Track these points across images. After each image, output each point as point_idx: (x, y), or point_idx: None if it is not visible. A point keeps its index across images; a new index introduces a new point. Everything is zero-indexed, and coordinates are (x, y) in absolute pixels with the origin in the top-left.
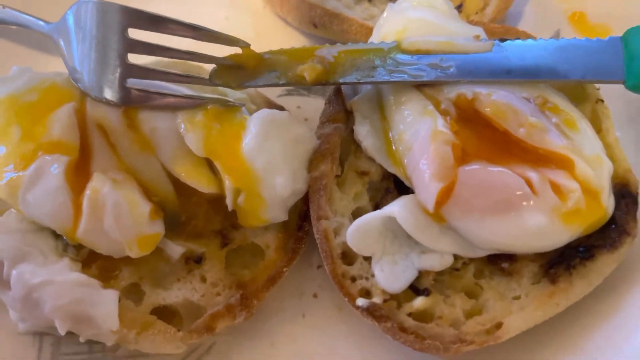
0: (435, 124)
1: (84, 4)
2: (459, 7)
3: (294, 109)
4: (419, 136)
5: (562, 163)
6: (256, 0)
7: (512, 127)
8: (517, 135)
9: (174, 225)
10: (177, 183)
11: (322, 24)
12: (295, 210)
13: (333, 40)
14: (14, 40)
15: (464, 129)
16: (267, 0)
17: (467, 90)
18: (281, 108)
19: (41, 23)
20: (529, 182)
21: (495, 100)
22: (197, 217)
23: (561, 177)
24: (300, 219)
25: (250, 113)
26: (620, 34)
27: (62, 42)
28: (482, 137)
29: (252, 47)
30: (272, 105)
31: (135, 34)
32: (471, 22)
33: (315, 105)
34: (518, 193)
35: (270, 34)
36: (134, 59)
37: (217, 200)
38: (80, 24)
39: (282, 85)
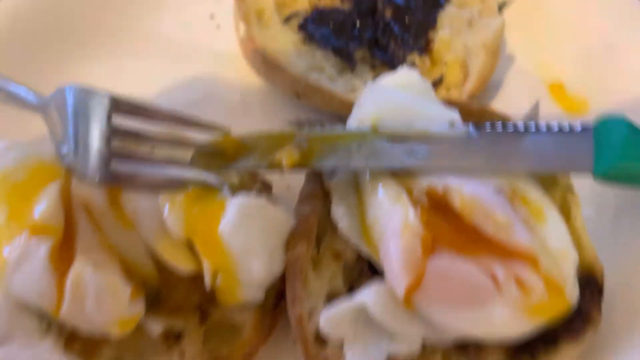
0: (407, 215)
1: (71, 89)
2: (439, 80)
3: (278, 180)
4: (390, 226)
5: (527, 259)
6: (244, 65)
7: (480, 224)
8: (485, 231)
9: (155, 301)
10: (158, 260)
11: (305, 95)
12: (272, 289)
13: (315, 107)
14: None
15: (434, 217)
16: (252, 65)
17: (439, 183)
18: (266, 183)
19: (31, 95)
20: (494, 278)
21: (464, 196)
22: (177, 293)
23: (526, 273)
24: (277, 298)
25: (234, 187)
26: (597, 107)
27: (48, 119)
28: (452, 227)
29: (244, 113)
30: (256, 178)
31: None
32: (449, 99)
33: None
34: (483, 288)
35: (254, 95)
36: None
37: (197, 277)
38: (66, 106)
39: (259, 168)
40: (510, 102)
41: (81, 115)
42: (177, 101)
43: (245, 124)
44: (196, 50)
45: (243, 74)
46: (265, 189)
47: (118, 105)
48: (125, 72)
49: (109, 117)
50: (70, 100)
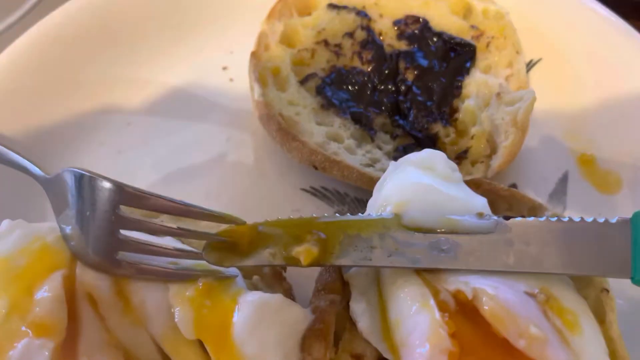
0: (434, 324)
1: (78, 173)
2: (465, 153)
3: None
4: (415, 335)
5: None
6: (257, 124)
7: (512, 337)
8: (517, 345)
9: None
10: (167, 357)
11: (322, 168)
12: None
13: (332, 177)
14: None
15: (462, 326)
16: (266, 130)
17: (466, 287)
18: (281, 276)
19: (38, 172)
20: None
21: (495, 302)
22: None
23: None
24: None
25: (247, 272)
26: (630, 187)
27: (53, 197)
28: (482, 337)
29: (250, 173)
30: (275, 271)
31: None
32: (476, 180)
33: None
34: None
35: (269, 159)
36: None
37: None
38: (72, 188)
39: (276, 265)
40: (537, 174)
41: (86, 201)
42: (187, 161)
43: (259, 189)
44: (208, 105)
45: (256, 134)
46: (280, 267)
47: (124, 196)
48: (134, 126)
49: (115, 207)
50: (75, 184)
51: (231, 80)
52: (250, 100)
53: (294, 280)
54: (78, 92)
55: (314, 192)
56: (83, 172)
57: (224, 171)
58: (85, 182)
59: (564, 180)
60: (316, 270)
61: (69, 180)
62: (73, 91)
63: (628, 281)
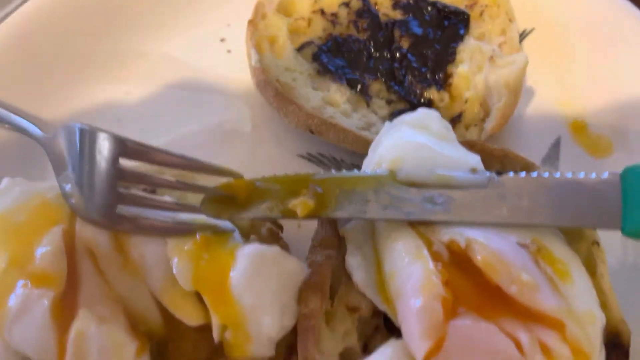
0: (427, 273)
1: (77, 128)
2: (459, 117)
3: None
4: (410, 284)
5: (553, 324)
6: (255, 92)
7: (504, 283)
8: (508, 291)
9: (161, 354)
10: (165, 310)
11: (318, 131)
12: (283, 342)
13: (329, 141)
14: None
15: (455, 275)
16: (263, 95)
17: (460, 237)
18: (276, 222)
19: (37, 130)
20: (518, 344)
21: (487, 251)
22: (184, 345)
23: (552, 339)
24: (288, 352)
25: (245, 229)
26: (621, 150)
27: (52, 155)
28: (474, 285)
29: (247, 140)
30: (272, 231)
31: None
32: (470, 140)
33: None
34: (506, 355)
35: (266, 126)
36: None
37: (205, 328)
38: (72, 145)
39: (274, 218)
40: (530, 140)
41: (86, 156)
42: (185, 130)
43: (256, 156)
44: (206, 75)
45: (253, 102)
46: (277, 227)
47: (124, 148)
48: (133, 96)
49: (115, 160)
50: (75, 139)
51: (229, 51)
52: (248, 69)
53: (290, 242)
54: (78, 64)
55: (311, 158)
56: (83, 126)
57: (222, 138)
58: (84, 135)
59: (556, 145)
60: (312, 233)
61: (69, 135)
62: (73, 62)
63: (618, 240)
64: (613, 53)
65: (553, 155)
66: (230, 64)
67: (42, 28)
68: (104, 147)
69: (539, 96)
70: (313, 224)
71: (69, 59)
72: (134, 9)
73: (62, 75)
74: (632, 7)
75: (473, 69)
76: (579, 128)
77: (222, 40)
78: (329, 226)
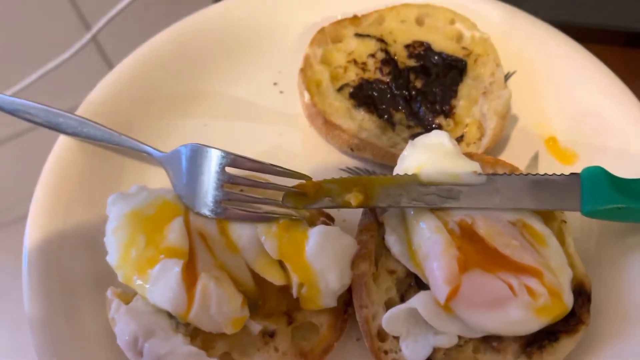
0: (446, 242)
1: (189, 145)
2: (461, 137)
3: (336, 212)
4: (433, 250)
5: (535, 273)
6: (304, 120)
7: (500, 246)
8: (503, 252)
9: (254, 308)
10: (256, 277)
11: (357, 149)
12: (342, 298)
13: (364, 158)
14: (126, 157)
15: (465, 243)
16: (312, 124)
17: (467, 217)
18: (328, 214)
19: (155, 152)
20: (511, 287)
21: (487, 226)
22: (270, 302)
23: (534, 283)
24: (345, 305)
25: (308, 221)
26: (585, 159)
27: (170, 168)
28: (479, 250)
29: (305, 163)
30: (322, 213)
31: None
32: (470, 153)
33: (353, 211)
34: (503, 296)
35: (315, 148)
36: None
37: (285, 288)
38: (187, 158)
39: (334, 207)
40: (515, 154)
41: (199, 166)
42: (252, 151)
43: (308, 171)
44: (264, 111)
45: (304, 131)
46: (329, 220)
47: (228, 159)
48: (209, 127)
49: (222, 168)
50: (191, 154)
51: (281, 92)
52: (300, 105)
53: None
54: (169, 102)
55: (349, 171)
56: (196, 144)
57: (279, 158)
58: (199, 151)
59: (535, 157)
60: (353, 226)
61: (185, 152)
62: (166, 102)
63: (579, 218)
64: (573, 86)
65: (533, 164)
66: (284, 103)
67: (142, 78)
68: (213, 158)
69: (521, 121)
70: (354, 220)
71: (164, 99)
72: (208, 60)
73: (159, 111)
74: (585, 50)
75: (471, 101)
76: (551, 144)
77: (275, 84)
78: (371, 214)
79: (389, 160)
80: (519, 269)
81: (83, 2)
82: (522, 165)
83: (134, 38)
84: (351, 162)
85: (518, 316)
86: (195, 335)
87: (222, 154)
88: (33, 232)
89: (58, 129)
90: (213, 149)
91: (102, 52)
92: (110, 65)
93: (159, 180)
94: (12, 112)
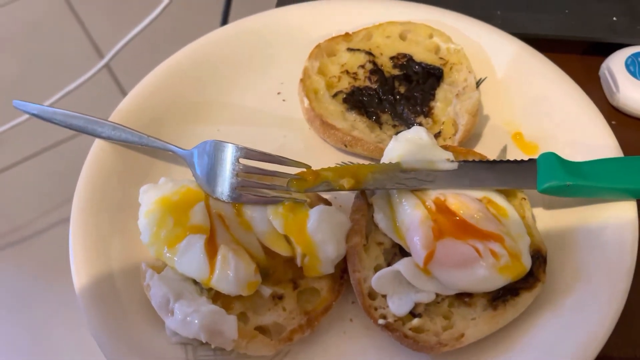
0: (423, 216)
1: (208, 142)
2: (439, 133)
3: (333, 199)
4: (413, 223)
5: (497, 239)
6: (304, 124)
7: (468, 218)
8: (470, 222)
9: (264, 276)
10: (266, 250)
11: (350, 145)
12: (339, 266)
13: (356, 154)
14: (152, 157)
15: (439, 217)
16: (311, 126)
17: (441, 195)
18: (325, 200)
19: (179, 149)
20: (477, 250)
21: (458, 201)
22: (278, 271)
23: (497, 247)
24: (342, 272)
25: (309, 205)
26: (544, 149)
27: (192, 162)
28: (451, 222)
29: (306, 160)
30: (320, 198)
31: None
32: (445, 145)
33: (346, 196)
34: (471, 258)
35: (314, 147)
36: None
37: (290, 259)
38: (206, 152)
39: (331, 190)
40: (486, 147)
41: (217, 159)
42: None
43: (310, 164)
44: (269, 116)
45: (304, 133)
46: (326, 204)
47: (242, 151)
48: (221, 132)
49: (236, 159)
50: (210, 149)
51: (284, 100)
52: (300, 110)
53: None
54: (187, 110)
55: (344, 164)
56: (215, 140)
57: (284, 155)
58: (216, 146)
59: (504, 150)
60: (347, 210)
61: (204, 147)
62: (184, 109)
63: (540, 197)
64: (536, 89)
65: (502, 155)
66: (286, 109)
67: (163, 90)
68: (229, 151)
69: (492, 120)
70: (349, 206)
71: (182, 107)
72: (220, 74)
73: (178, 118)
74: (546, 59)
75: (447, 103)
76: (517, 138)
77: (279, 93)
78: (362, 198)
79: (378, 154)
80: (484, 235)
81: (96, 32)
82: (492, 156)
83: (144, 64)
84: (345, 157)
85: (484, 275)
86: (217, 298)
87: (236, 147)
88: (75, 221)
89: (94, 133)
90: (229, 144)
91: (114, 78)
92: (122, 89)
93: (182, 174)
94: (55, 121)
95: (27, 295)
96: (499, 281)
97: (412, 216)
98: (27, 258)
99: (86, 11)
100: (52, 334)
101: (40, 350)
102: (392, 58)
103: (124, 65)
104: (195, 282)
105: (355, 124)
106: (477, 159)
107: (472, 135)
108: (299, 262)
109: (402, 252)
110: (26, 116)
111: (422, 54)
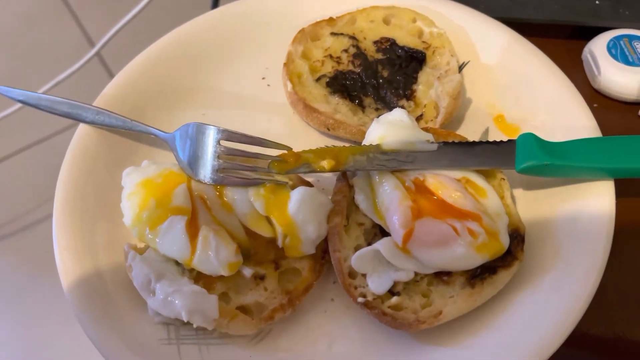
0: (402, 195)
1: (190, 124)
2: (421, 116)
3: (316, 182)
4: (392, 203)
5: (475, 217)
6: (288, 109)
7: (446, 197)
8: (448, 201)
9: (246, 257)
10: (248, 231)
11: (332, 128)
12: (320, 246)
13: (339, 137)
14: (136, 141)
15: (418, 196)
16: (294, 110)
17: (420, 175)
18: (307, 182)
19: (161, 133)
20: (455, 229)
21: (436, 181)
22: (259, 252)
23: (474, 225)
24: (323, 252)
25: (291, 188)
26: (524, 130)
27: (174, 145)
28: (429, 201)
29: (289, 144)
30: (302, 180)
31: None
32: (426, 127)
33: (328, 179)
34: (449, 236)
35: (298, 131)
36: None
37: (272, 240)
38: (187, 135)
39: (311, 172)
40: (468, 130)
41: (199, 141)
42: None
43: (293, 147)
44: (254, 101)
45: (287, 116)
46: (308, 186)
47: (223, 134)
48: (207, 116)
49: (217, 142)
50: (192, 131)
51: (268, 85)
52: (284, 95)
53: None
54: (173, 95)
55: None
56: (196, 122)
57: (269, 138)
58: (198, 128)
59: (485, 132)
60: (330, 192)
61: (186, 130)
62: (171, 93)
63: (519, 178)
64: (517, 73)
65: (484, 138)
66: (271, 94)
67: (149, 74)
68: (210, 134)
69: (474, 103)
70: (331, 188)
71: (168, 92)
72: (206, 59)
73: (163, 102)
74: (528, 43)
75: (429, 86)
76: (499, 121)
77: (263, 78)
78: (343, 179)
79: (360, 137)
80: (462, 214)
81: (87, 21)
82: (474, 138)
83: (136, 53)
84: (328, 141)
85: (462, 253)
86: (199, 279)
87: (218, 129)
88: (59, 201)
89: (78, 118)
90: (210, 126)
91: (105, 66)
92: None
93: (166, 157)
94: (41, 107)
95: (19, 288)
96: (476, 259)
97: (391, 196)
98: (19, 251)
99: (76, 0)
100: (44, 328)
101: (33, 343)
102: (375, 42)
103: (115, 54)
104: (177, 263)
105: (338, 108)
106: (457, 141)
107: (455, 118)
108: (280, 242)
109: (382, 232)
110: (15, 107)
111: (405, 38)
